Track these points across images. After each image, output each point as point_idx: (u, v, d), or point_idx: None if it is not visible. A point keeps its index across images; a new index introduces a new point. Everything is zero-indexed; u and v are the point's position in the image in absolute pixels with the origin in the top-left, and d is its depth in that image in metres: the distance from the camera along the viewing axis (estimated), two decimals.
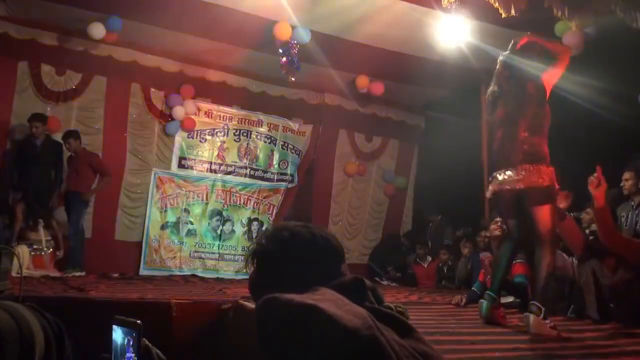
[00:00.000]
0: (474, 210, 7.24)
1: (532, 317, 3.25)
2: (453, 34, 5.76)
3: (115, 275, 6.49)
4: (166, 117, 7.52)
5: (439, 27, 5.75)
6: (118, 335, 1.06)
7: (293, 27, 6.28)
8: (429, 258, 7.78)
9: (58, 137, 6.56)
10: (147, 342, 1.07)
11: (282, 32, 6.27)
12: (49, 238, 6.15)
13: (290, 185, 8.43)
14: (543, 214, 3.41)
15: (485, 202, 7.39)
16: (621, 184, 4.36)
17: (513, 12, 4.93)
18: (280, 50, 6.48)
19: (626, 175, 4.33)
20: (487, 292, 3.67)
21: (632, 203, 4.31)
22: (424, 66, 6.88)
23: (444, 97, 8.40)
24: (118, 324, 1.06)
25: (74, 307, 3.67)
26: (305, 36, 6.35)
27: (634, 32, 4.89)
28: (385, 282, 7.89)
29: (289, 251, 1.22)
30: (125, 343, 1.05)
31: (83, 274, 6.10)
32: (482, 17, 5.56)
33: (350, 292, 1.12)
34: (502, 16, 4.98)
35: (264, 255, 1.26)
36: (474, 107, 7.39)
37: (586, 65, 5.20)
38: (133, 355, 1.04)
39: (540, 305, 3.28)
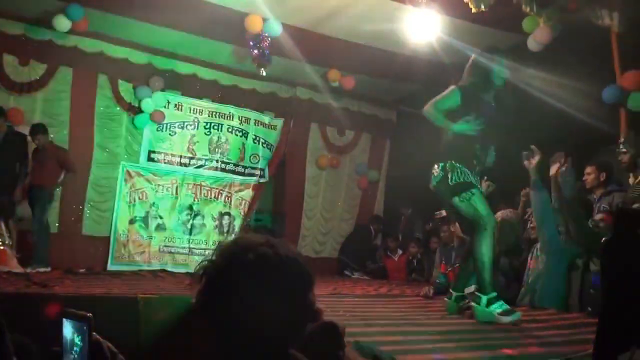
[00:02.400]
0: (441, 204, 7.31)
1: (476, 307, 3.34)
2: (423, 28, 5.78)
3: (82, 270, 6.37)
4: (135, 109, 7.38)
5: (410, 21, 5.77)
6: (68, 329, 1.03)
7: (264, 20, 6.23)
8: (400, 251, 7.85)
9: (22, 128, 6.38)
10: (97, 335, 1.04)
11: (253, 25, 6.21)
12: (9, 233, 5.98)
13: (261, 180, 8.38)
14: (459, 206, 3.52)
15: None
16: (583, 178, 4.47)
17: (483, 7, 4.98)
18: (251, 43, 6.42)
19: (588, 169, 4.45)
20: (455, 293, 3.71)
21: (594, 196, 4.42)
22: (394, 61, 6.90)
23: (415, 92, 8.45)
24: (68, 317, 1.04)
25: (36, 303, 3.59)
26: (276, 29, 6.30)
27: (599, 29, 5.01)
28: (355, 275, 7.93)
29: (254, 278, 1.04)
30: (76, 336, 1.02)
31: (48, 269, 5.97)
32: (452, 13, 5.60)
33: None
34: (472, 12, 5.03)
35: (222, 278, 1.06)
36: None
37: (552, 61, 5.30)
38: (83, 348, 1.01)
39: (481, 294, 3.35)
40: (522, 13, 5.26)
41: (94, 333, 1.02)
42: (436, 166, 3.65)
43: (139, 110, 7.35)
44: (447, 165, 3.56)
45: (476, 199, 3.49)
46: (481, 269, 3.41)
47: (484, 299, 3.34)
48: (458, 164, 3.53)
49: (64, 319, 1.04)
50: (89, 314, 1.01)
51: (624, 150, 4.36)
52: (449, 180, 3.52)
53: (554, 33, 5.37)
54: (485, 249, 3.42)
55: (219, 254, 1.09)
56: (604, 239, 1.81)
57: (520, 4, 5.14)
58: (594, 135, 5.13)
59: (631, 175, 4.32)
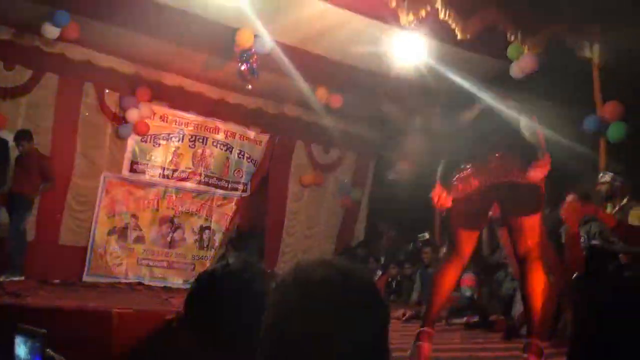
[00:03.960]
0: (426, 226, 7.34)
1: None
2: (410, 51, 5.86)
3: (57, 281, 6.25)
4: (119, 119, 7.31)
5: (397, 44, 5.84)
6: (21, 347, 1.00)
7: (255, 36, 6.25)
8: (379, 272, 7.81)
9: (4, 134, 6.29)
10: (51, 352, 1.01)
11: (244, 40, 6.23)
12: None
13: (243, 195, 8.34)
14: (532, 224, 2.79)
15: (435, 218, 7.49)
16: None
17: (468, 35, 5.05)
18: (240, 58, 6.43)
19: (568, 198, 4.47)
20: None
21: None
22: (381, 82, 6.96)
23: (401, 113, 8.50)
24: (21, 334, 1.00)
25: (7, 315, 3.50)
26: (267, 45, 6.33)
27: (579, 59, 5.11)
28: None
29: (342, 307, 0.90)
30: (29, 355, 0.99)
31: (22, 278, 5.84)
32: (438, 37, 5.67)
33: None
34: (458, 37, 5.09)
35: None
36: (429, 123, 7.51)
37: (535, 86, 5.37)
38: None
39: (541, 345, 2.71)
40: (507, 40, 5.35)
41: (48, 350, 0.99)
42: None
43: (123, 120, 7.30)
44: None
45: None
46: (545, 312, 2.91)
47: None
48: None
49: (17, 336, 1.00)
50: (43, 330, 0.98)
51: (604, 180, 4.41)
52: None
53: (539, 61, 5.46)
54: (547, 283, 2.91)
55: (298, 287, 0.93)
56: (574, 275, 1.81)
57: (506, 31, 5.24)
58: (573, 165, 5.18)
59: (609, 204, 4.37)
